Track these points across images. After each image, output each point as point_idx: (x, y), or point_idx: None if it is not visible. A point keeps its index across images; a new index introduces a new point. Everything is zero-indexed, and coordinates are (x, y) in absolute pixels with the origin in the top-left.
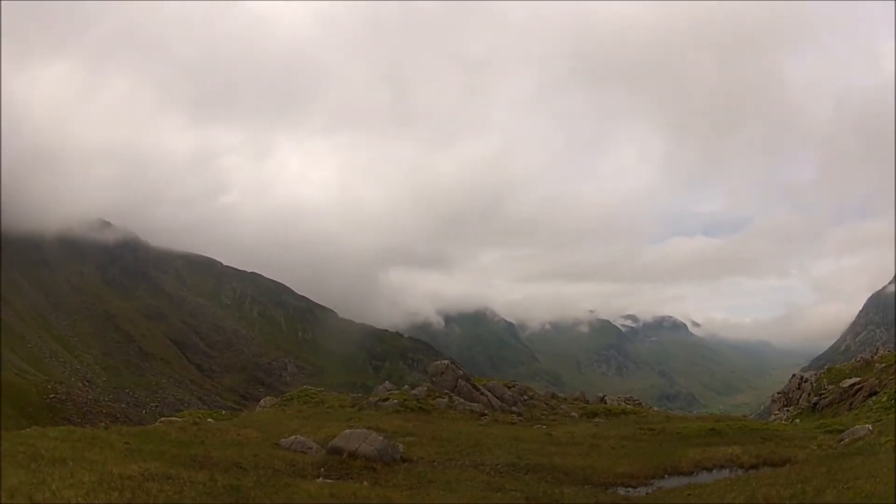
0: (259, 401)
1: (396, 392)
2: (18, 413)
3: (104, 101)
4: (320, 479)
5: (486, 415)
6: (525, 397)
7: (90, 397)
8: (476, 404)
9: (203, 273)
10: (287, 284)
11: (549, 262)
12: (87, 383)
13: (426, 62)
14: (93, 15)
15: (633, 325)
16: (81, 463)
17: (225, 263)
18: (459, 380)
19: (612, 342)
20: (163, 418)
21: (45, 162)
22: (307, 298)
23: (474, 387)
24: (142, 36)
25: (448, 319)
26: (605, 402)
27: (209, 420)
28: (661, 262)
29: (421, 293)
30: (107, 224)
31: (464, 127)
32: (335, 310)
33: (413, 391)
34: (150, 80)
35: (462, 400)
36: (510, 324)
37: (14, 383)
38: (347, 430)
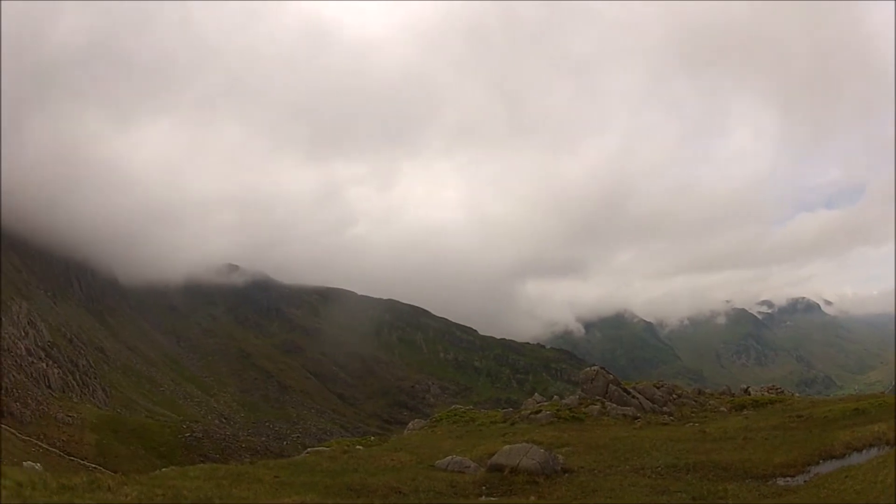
0: (404, 424)
1: (547, 403)
2: (150, 453)
3: (218, 150)
4: (483, 497)
5: (638, 418)
6: (674, 396)
7: (228, 433)
8: (628, 408)
9: (338, 304)
10: (424, 307)
11: (681, 255)
12: (224, 420)
13: (534, 69)
14: (193, 71)
15: (769, 311)
16: (228, 500)
17: (360, 293)
18: (610, 384)
19: (749, 331)
20: (310, 449)
21: (164, 215)
22: (445, 319)
23: (625, 390)
24: (246, 84)
25: (588, 325)
26: (750, 394)
27: (358, 447)
28: (788, 242)
29: (559, 302)
30: (234, 267)
31: (581, 129)
32: (475, 327)
33: (564, 400)
34: (262, 124)
35: (614, 405)
36: (649, 323)
37: (144, 424)
38: (507, 446)
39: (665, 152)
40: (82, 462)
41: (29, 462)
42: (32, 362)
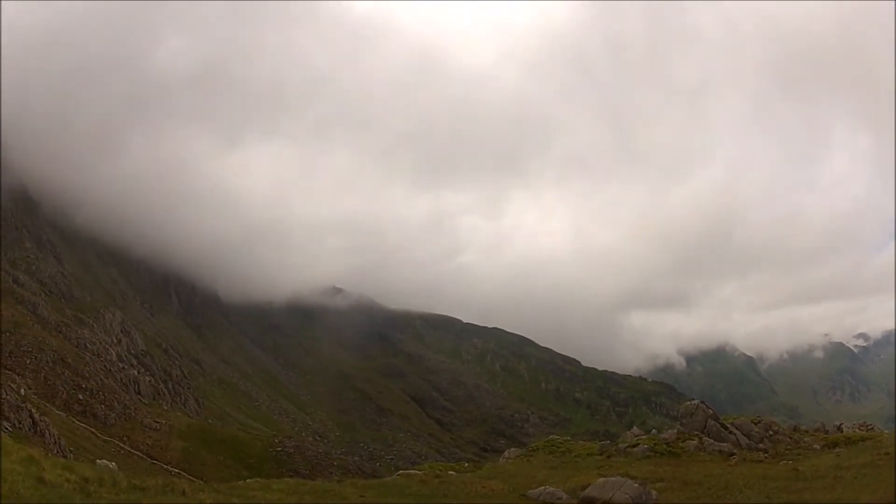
0: (500, 453)
1: (645, 437)
2: (238, 464)
3: (328, 175)
4: None
5: (734, 454)
6: (770, 433)
7: (321, 450)
8: (724, 444)
9: (443, 331)
10: (530, 337)
11: (782, 287)
12: (318, 438)
13: (641, 98)
14: (303, 97)
15: (865, 344)
16: None
17: (465, 321)
18: (709, 420)
19: (845, 366)
20: (401, 471)
21: (271, 236)
22: (550, 349)
23: (723, 426)
24: (357, 111)
25: (689, 359)
26: (842, 431)
27: (451, 472)
28: (886, 271)
29: (661, 334)
30: (339, 290)
31: (687, 158)
32: (578, 359)
33: (662, 435)
34: (373, 151)
35: (711, 441)
36: (749, 357)
37: (235, 436)
38: (601, 479)
39: (768, 180)
40: (165, 467)
41: (104, 460)
42: (123, 368)
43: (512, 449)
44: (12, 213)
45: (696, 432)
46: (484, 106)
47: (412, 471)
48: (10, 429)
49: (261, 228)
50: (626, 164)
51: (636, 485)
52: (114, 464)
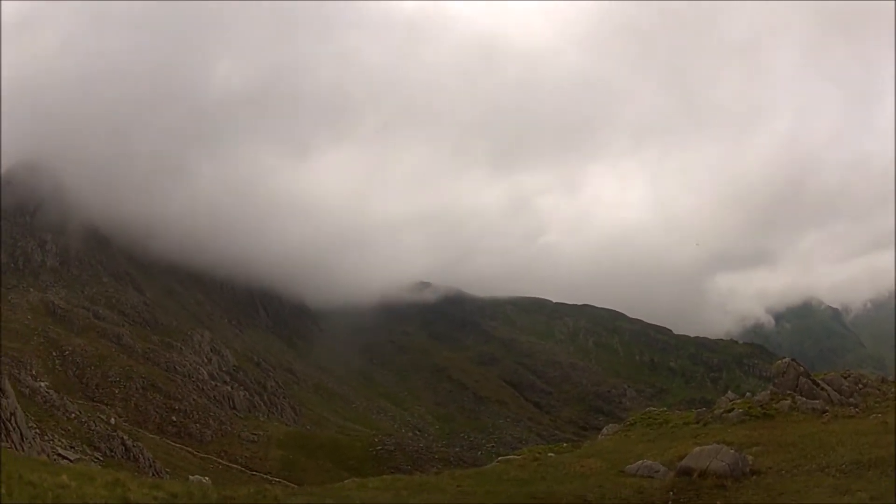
0: (599, 430)
1: (739, 401)
2: (338, 467)
3: (402, 173)
4: (670, 503)
5: (826, 411)
6: (859, 386)
7: (421, 445)
8: (816, 402)
9: (534, 313)
10: (620, 310)
11: (860, 235)
12: (418, 433)
13: (698, 60)
14: (367, 100)
15: None
16: None
17: (555, 301)
18: (800, 377)
19: None
20: (500, 457)
21: (352, 239)
22: (641, 321)
23: (815, 383)
24: (423, 106)
25: (777, 317)
26: None
27: (550, 454)
28: None
29: (748, 294)
30: (426, 284)
31: (751, 113)
32: (669, 327)
33: (756, 397)
34: (444, 144)
35: (803, 399)
36: (835, 310)
37: (334, 439)
38: (697, 448)
39: (832, 127)
40: (265, 476)
41: (197, 476)
42: (216, 386)
43: (610, 425)
44: (85, 253)
45: (788, 391)
46: (547, 85)
47: (511, 456)
48: (101, 458)
49: (341, 233)
50: (693, 127)
51: (732, 451)
52: (207, 478)
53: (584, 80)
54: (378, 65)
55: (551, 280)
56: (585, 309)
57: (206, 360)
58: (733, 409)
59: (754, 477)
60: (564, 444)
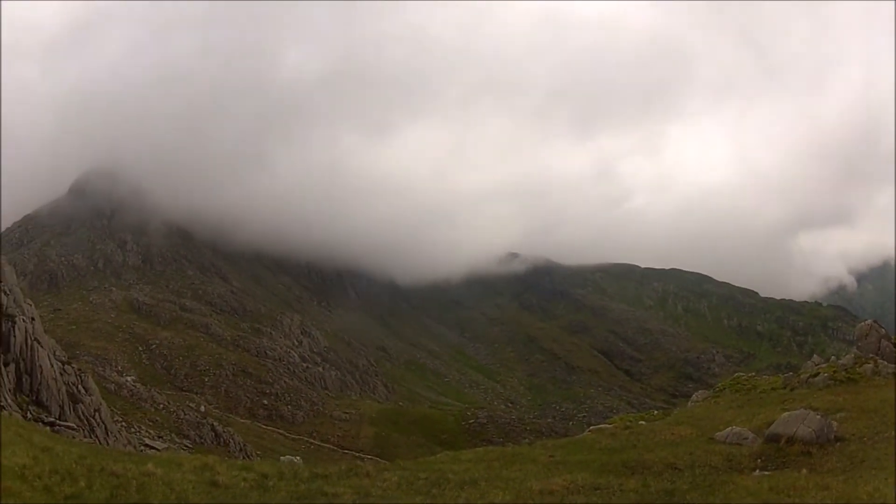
0: (689, 397)
1: (825, 365)
2: (431, 441)
3: (483, 145)
4: (757, 471)
5: None
6: None
7: (514, 417)
8: None
9: (623, 280)
10: (707, 273)
11: None
12: (510, 405)
13: (767, 14)
14: (442, 75)
15: None
16: (495, 482)
17: (643, 266)
18: (882, 340)
19: None
20: (592, 427)
21: (437, 214)
22: (728, 284)
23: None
24: (500, 77)
25: (860, 277)
26: None
27: (641, 422)
28: None
29: (831, 255)
30: (515, 255)
31: (824, 66)
32: (756, 289)
33: (840, 361)
34: (524, 113)
35: (885, 363)
36: None
37: (427, 414)
38: (785, 414)
39: None
40: (357, 454)
41: (288, 456)
42: (307, 368)
43: (700, 391)
44: (168, 249)
45: (871, 355)
46: (622, 47)
47: (603, 425)
48: (189, 446)
49: (427, 209)
50: (767, 83)
51: (819, 417)
52: (299, 458)
53: (656, 41)
54: (447, 39)
55: (638, 245)
56: (673, 273)
57: (296, 343)
58: (819, 373)
59: (838, 444)
60: (655, 412)
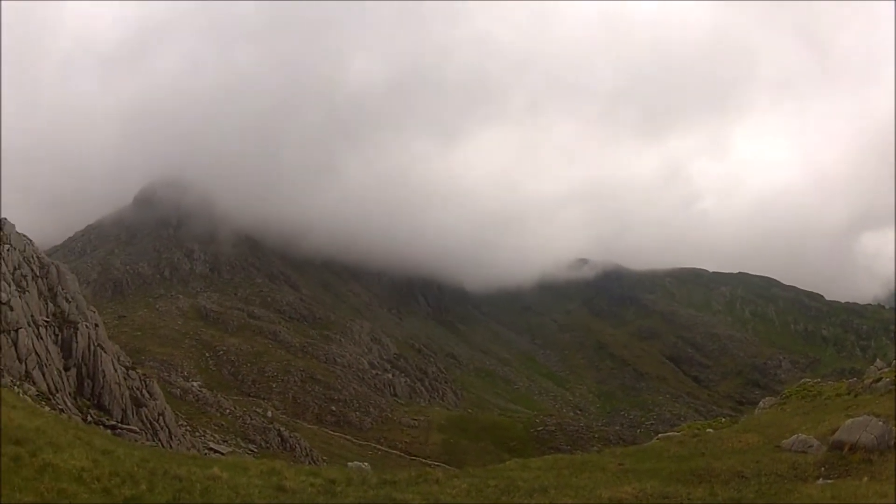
0: (755, 404)
1: (887, 370)
2: (499, 448)
3: (551, 150)
4: (820, 480)
5: None
6: None
7: (582, 424)
8: None
9: (691, 284)
10: (773, 276)
11: None
12: (578, 412)
13: (823, 9)
14: (507, 79)
15: None
16: (565, 490)
17: (711, 270)
18: None
19: None
20: (660, 434)
21: (507, 221)
22: (794, 287)
23: None
24: (564, 80)
25: None
26: None
27: (708, 430)
28: None
29: (892, 255)
30: (584, 261)
31: (880, 59)
32: (822, 292)
33: None
34: (590, 116)
35: None
36: None
37: (495, 421)
38: (848, 421)
39: None
40: (424, 461)
41: (356, 462)
42: (376, 374)
43: (767, 398)
44: (236, 257)
45: None
46: (684, 47)
47: (671, 433)
48: (255, 450)
49: (496, 215)
50: (828, 78)
51: (880, 423)
52: (366, 464)
53: (717, 39)
54: (511, 43)
55: (707, 248)
56: (741, 277)
57: (366, 350)
58: (881, 378)
59: None
60: (723, 419)
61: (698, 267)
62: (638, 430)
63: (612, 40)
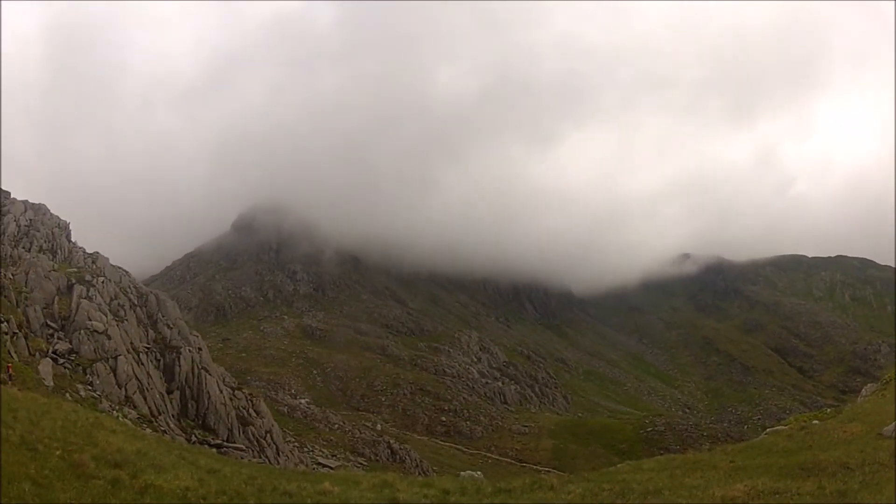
0: (857, 392)
1: None
2: (609, 451)
3: (646, 145)
4: None
5: None
6: None
7: (690, 423)
8: None
9: (791, 272)
10: (869, 257)
11: None
12: (687, 410)
13: None
14: (596, 79)
15: None
16: (678, 490)
17: (810, 256)
18: None
19: None
20: (768, 429)
21: (609, 220)
22: (889, 267)
23: None
24: (652, 74)
25: None
26: None
27: (814, 421)
28: None
29: None
30: (687, 256)
31: None
32: None
33: None
34: (680, 107)
35: None
36: None
37: (605, 424)
38: None
39: None
40: (535, 467)
41: (468, 471)
42: (486, 383)
43: (868, 385)
44: (340, 276)
45: None
46: (760, 27)
47: (779, 427)
48: (364, 463)
49: (597, 215)
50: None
51: None
52: (479, 473)
53: (791, 17)
54: (596, 41)
55: (804, 232)
56: (839, 260)
57: (475, 360)
58: None
59: None
60: (828, 410)
61: (798, 253)
62: (745, 426)
63: (693, 26)
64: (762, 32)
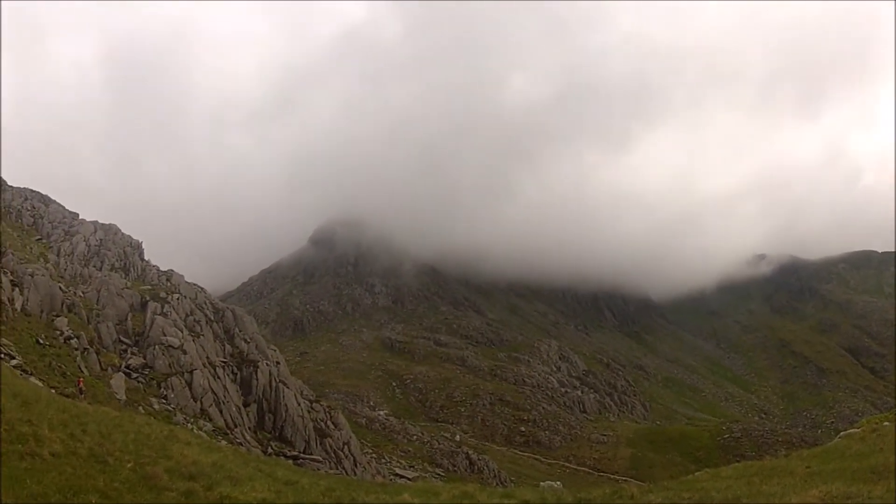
0: None
1: None
2: (686, 459)
3: (717, 144)
4: None
5: None
6: None
7: (766, 429)
8: None
9: (864, 268)
10: None
11: None
12: (763, 416)
13: None
14: (663, 79)
15: None
16: (756, 498)
17: (881, 251)
18: None
19: None
20: (842, 433)
21: (684, 223)
22: None
23: None
24: (716, 71)
25: None
26: None
27: (885, 423)
28: None
29: None
30: (762, 256)
31: None
32: None
33: None
34: (748, 103)
35: None
36: None
37: (683, 431)
38: None
39: None
40: (612, 476)
41: (548, 481)
42: (565, 392)
43: None
44: (418, 288)
45: None
46: (817, 18)
47: (852, 430)
48: (442, 474)
49: (673, 219)
50: None
51: None
52: (559, 483)
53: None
54: (661, 41)
55: (875, 226)
56: None
57: (555, 369)
58: None
59: None
60: None
61: (868, 249)
62: (819, 431)
63: (749, 16)
64: (822, 24)
